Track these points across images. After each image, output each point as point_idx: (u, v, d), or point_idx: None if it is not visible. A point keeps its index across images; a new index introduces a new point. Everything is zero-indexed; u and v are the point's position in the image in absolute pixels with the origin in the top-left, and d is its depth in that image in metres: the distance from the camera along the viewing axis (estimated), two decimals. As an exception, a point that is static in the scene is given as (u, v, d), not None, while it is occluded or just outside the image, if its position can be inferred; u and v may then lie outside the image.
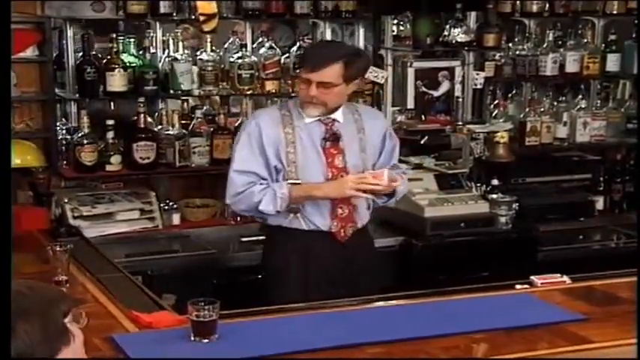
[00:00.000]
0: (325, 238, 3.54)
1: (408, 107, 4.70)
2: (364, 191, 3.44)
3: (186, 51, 4.49)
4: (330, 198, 3.50)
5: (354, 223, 3.58)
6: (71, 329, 1.83)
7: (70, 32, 4.38)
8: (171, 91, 4.49)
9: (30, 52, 4.26)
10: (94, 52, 4.42)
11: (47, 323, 1.77)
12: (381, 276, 3.68)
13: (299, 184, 3.46)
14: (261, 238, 3.85)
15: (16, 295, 1.78)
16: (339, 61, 3.41)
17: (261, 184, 3.46)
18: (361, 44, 5.00)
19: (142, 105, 4.36)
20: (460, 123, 4.70)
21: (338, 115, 3.54)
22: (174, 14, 4.46)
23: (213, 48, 4.54)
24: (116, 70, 4.32)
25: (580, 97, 5.12)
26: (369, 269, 3.63)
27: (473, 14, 4.77)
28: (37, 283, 1.90)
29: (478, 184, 4.68)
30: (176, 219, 4.49)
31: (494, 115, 4.91)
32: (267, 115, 3.59)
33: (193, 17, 4.41)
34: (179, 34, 4.58)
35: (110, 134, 4.34)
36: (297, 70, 3.91)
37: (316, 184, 3.48)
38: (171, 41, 4.50)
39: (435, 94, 4.72)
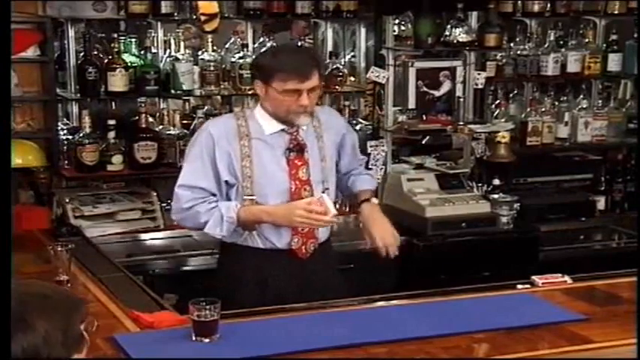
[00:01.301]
0: (284, 256, 3.30)
1: (409, 107, 4.68)
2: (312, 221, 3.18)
3: (187, 51, 4.50)
4: (279, 224, 3.25)
5: (316, 239, 3.34)
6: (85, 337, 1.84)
7: (71, 32, 4.39)
8: (173, 91, 4.50)
9: (31, 52, 4.27)
10: (95, 52, 4.43)
11: (68, 328, 1.78)
12: (343, 294, 3.30)
13: (253, 199, 3.23)
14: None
15: (39, 296, 1.79)
16: (318, 63, 3.25)
17: (209, 202, 3.23)
18: (362, 44, 5.01)
19: (143, 105, 4.37)
20: (461, 123, 4.68)
21: None
22: (176, 14, 4.47)
23: (215, 48, 4.54)
24: (117, 70, 4.32)
25: (581, 97, 5.11)
26: (330, 288, 3.32)
27: (474, 14, 4.76)
28: (56, 286, 1.90)
29: (479, 184, 4.68)
30: (177, 219, 4.49)
31: (495, 115, 4.90)
32: (222, 126, 3.30)
33: (194, 17, 4.41)
34: (180, 34, 4.59)
35: (111, 134, 4.34)
36: (255, 80, 3.31)
37: (266, 208, 3.23)
38: (172, 41, 4.51)
39: (436, 94, 4.71)
